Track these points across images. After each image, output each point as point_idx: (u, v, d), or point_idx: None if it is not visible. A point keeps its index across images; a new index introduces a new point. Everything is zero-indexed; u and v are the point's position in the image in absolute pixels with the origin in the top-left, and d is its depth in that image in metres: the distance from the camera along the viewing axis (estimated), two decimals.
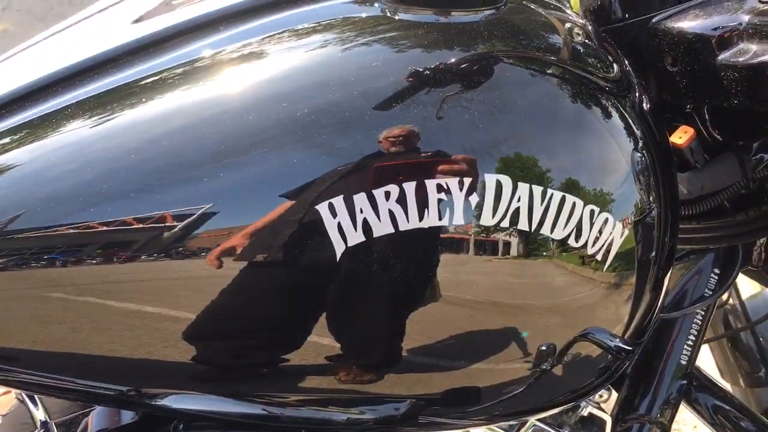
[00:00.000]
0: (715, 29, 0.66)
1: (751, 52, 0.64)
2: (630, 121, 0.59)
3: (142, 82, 0.54)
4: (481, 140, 0.50)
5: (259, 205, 0.49)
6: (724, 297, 1.03)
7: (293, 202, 0.48)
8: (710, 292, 0.82)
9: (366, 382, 0.56)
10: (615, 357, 0.62)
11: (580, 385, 0.64)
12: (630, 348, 0.61)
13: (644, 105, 0.63)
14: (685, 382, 0.83)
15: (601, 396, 0.80)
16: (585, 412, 0.80)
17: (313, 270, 0.50)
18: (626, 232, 0.55)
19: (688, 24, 0.68)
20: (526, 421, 0.74)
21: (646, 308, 0.64)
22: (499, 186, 0.49)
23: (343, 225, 0.48)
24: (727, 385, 1.08)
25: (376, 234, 0.48)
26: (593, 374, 0.64)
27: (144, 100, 0.53)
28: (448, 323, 0.53)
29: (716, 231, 0.79)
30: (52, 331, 0.53)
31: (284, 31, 0.56)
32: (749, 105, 0.66)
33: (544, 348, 0.57)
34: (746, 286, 1.08)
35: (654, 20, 0.70)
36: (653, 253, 0.61)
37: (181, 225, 0.49)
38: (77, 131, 0.53)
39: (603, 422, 0.81)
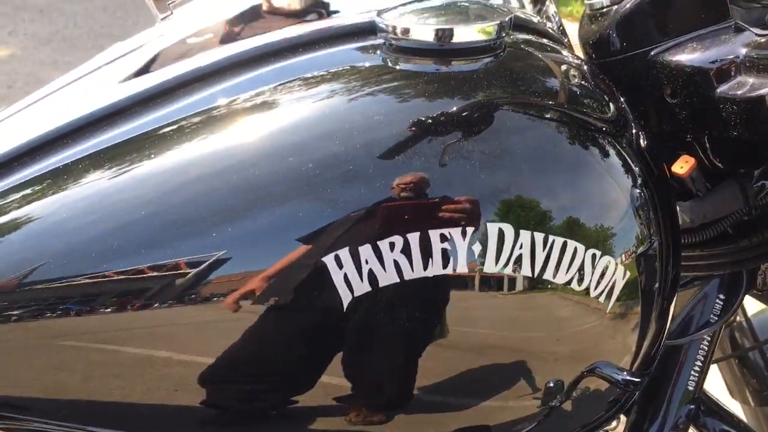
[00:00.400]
0: (713, 62, 0.68)
1: (748, 84, 0.65)
2: (627, 158, 0.59)
3: (154, 134, 0.56)
4: (482, 188, 0.51)
5: (269, 257, 0.50)
6: (732, 316, 1.04)
7: (300, 254, 0.49)
8: (716, 318, 0.83)
9: (376, 424, 0.56)
10: (623, 390, 0.63)
11: (590, 420, 0.64)
12: (638, 379, 0.62)
13: (641, 141, 0.64)
14: (693, 407, 0.84)
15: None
16: None
17: (322, 319, 0.51)
18: (628, 271, 0.56)
19: (686, 57, 0.69)
20: None
21: (653, 338, 0.65)
22: (501, 234, 0.50)
23: (350, 276, 0.49)
24: (737, 405, 1.08)
25: (381, 284, 0.49)
26: (602, 408, 0.64)
27: (156, 151, 0.54)
28: (456, 365, 0.54)
29: (720, 257, 0.80)
30: (65, 379, 0.54)
31: (288, 82, 0.57)
32: (748, 136, 0.67)
33: (551, 384, 0.58)
34: (752, 303, 1.08)
35: (652, 53, 0.72)
36: (657, 284, 0.62)
37: (191, 273, 0.50)
38: (91, 183, 0.54)
39: None
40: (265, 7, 0.65)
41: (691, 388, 0.83)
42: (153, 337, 0.53)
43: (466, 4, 0.61)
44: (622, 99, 0.66)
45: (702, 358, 0.83)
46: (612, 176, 0.58)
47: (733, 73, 0.67)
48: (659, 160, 0.67)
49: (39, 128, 0.59)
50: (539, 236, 0.51)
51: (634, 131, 0.63)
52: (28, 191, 0.56)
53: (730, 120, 0.67)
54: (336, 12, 0.67)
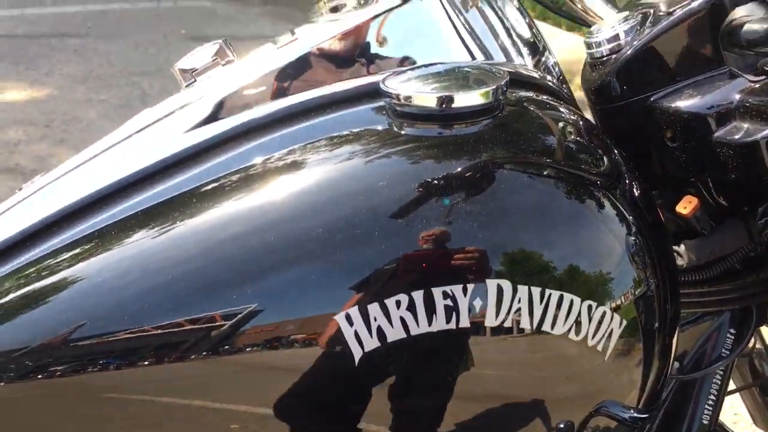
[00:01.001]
0: (710, 107, 0.71)
1: (743, 129, 0.68)
2: (621, 209, 0.62)
3: (189, 194, 0.61)
4: (481, 246, 0.54)
5: (286, 315, 0.54)
6: (750, 345, 1.05)
7: (314, 313, 0.53)
8: (727, 352, 0.85)
9: None
10: (632, 427, 0.65)
11: None
12: (645, 416, 0.64)
13: (634, 190, 0.67)
14: None
15: None
16: None
17: (336, 373, 0.54)
18: (625, 317, 0.59)
19: (684, 102, 0.72)
20: None
21: (657, 373, 0.67)
22: (500, 290, 0.53)
23: (360, 333, 0.52)
24: None
25: (389, 339, 0.53)
26: None
27: (191, 212, 0.59)
28: (464, 413, 0.57)
29: (729, 293, 0.81)
30: (107, 430, 0.58)
31: (296, 148, 0.61)
32: (745, 179, 0.70)
33: (561, 426, 0.61)
34: None
35: (652, 99, 0.75)
36: (657, 324, 0.64)
37: (227, 324, 0.54)
38: (131, 244, 0.58)
39: None
40: (278, 75, 0.70)
41: (706, 422, 0.85)
42: (189, 387, 0.56)
43: (466, 69, 0.65)
44: (615, 151, 0.68)
45: (716, 392, 0.85)
46: (606, 227, 0.61)
47: (728, 118, 0.70)
48: (653, 206, 0.69)
49: (80, 192, 0.64)
50: (536, 290, 0.54)
51: (627, 182, 0.66)
52: (74, 252, 0.60)
53: (728, 163, 0.69)
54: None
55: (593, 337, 0.56)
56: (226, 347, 0.54)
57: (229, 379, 0.56)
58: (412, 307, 0.52)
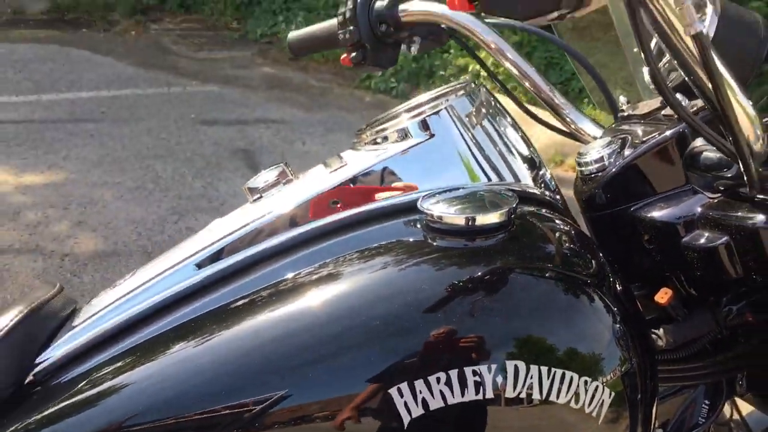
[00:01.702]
0: (678, 218, 0.86)
1: (705, 237, 0.83)
2: (607, 302, 0.76)
3: (228, 306, 0.76)
4: (501, 335, 0.69)
5: (347, 391, 0.68)
6: (727, 415, 1.18)
7: (372, 389, 0.68)
8: (703, 420, 0.98)
9: None
10: None
11: None
12: None
13: (616, 286, 0.81)
14: None
15: None
16: None
17: None
18: (614, 390, 0.73)
19: (657, 213, 0.87)
20: None
21: None
22: (516, 369, 0.68)
23: (408, 402, 0.67)
24: None
25: (431, 408, 0.67)
26: None
27: (229, 322, 0.74)
28: None
29: (702, 369, 0.94)
30: None
31: (345, 256, 0.76)
32: (709, 276, 0.84)
33: None
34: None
35: (632, 209, 0.90)
36: (639, 395, 0.77)
37: (264, 411, 0.67)
38: (177, 352, 0.73)
39: None
40: (329, 193, 0.86)
41: None
42: None
43: (482, 192, 0.81)
44: (600, 254, 0.83)
45: None
46: (596, 318, 0.75)
47: (693, 227, 0.85)
48: (632, 299, 0.84)
49: (137, 306, 0.80)
50: (544, 369, 0.69)
51: (610, 280, 0.81)
52: (127, 360, 0.75)
53: (694, 263, 0.84)
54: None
55: (589, 406, 0.71)
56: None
57: None
58: (449, 383, 0.67)
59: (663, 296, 0.90)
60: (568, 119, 1.17)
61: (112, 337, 0.79)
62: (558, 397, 0.69)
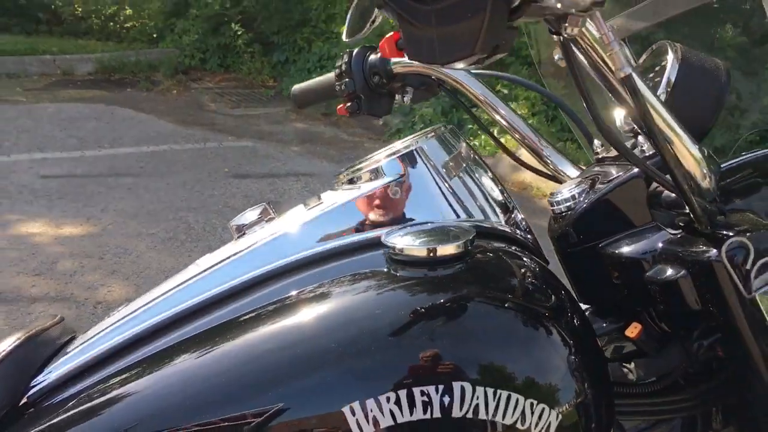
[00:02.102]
0: (643, 253, 0.90)
1: (665, 271, 0.86)
2: (563, 334, 0.80)
3: (230, 322, 0.81)
4: (450, 358, 0.73)
5: (304, 409, 0.72)
6: None
7: (325, 407, 0.72)
8: None
9: None
10: None
11: None
12: None
13: (575, 320, 0.84)
14: None
15: None
16: None
17: None
18: (562, 415, 0.76)
19: (624, 249, 0.91)
20: None
21: None
22: (462, 390, 0.72)
23: (360, 421, 0.71)
24: None
25: (382, 426, 0.71)
26: None
27: (230, 335, 0.79)
28: None
29: (675, 404, 0.95)
30: None
31: (316, 286, 0.82)
32: (674, 309, 0.87)
33: None
34: None
35: (600, 246, 0.94)
36: (593, 425, 0.80)
37: (256, 422, 0.72)
38: (170, 369, 0.78)
39: None
40: (306, 228, 0.92)
41: None
42: None
43: (445, 227, 0.87)
44: (564, 291, 0.87)
45: None
46: (549, 346, 0.78)
47: (654, 262, 0.88)
48: (591, 334, 0.87)
49: (128, 331, 0.86)
50: (490, 390, 0.72)
51: (569, 313, 0.84)
52: (121, 377, 0.80)
53: (658, 297, 0.88)
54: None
55: (535, 428, 0.74)
56: None
57: None
58: (398, 402, 0.71)
59: (633, 330, 0.93)
60: (550, 164, 1.22)
61: (106, 359, 0.85)
62: (504, 417, 0.73)
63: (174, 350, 0.81)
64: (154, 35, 9.59)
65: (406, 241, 0.81)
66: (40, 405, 0.84)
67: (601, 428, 0.81)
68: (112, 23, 10.05)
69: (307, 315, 0.79)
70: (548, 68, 1.35)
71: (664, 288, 0.87)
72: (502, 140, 1.37)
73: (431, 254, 0.79)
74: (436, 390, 0.71)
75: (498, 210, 0.99)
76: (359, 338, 0.74)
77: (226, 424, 0.72)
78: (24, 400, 0.85)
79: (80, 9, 10.05)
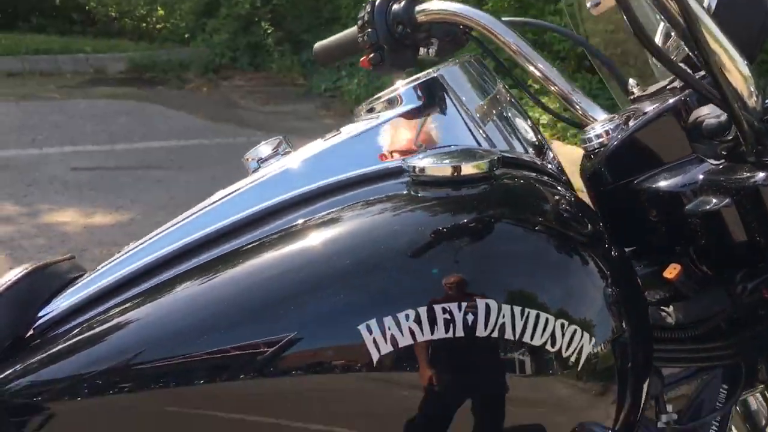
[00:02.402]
0: (682, 186, 0.84)
1: (708, 201, 0.81)
2: (601, 265, 0.75)
3: (248, 247, 0.77)
4: (473, 274, 0.68)
5: (320, 329, 0.68)
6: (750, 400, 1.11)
7: (341, 325, 0.68)
8: (721, 404, 0.93)
9: None
10: None
11: None
12: None
13: (612, 253, 0.79)
14: None
15: None
16: None
17: (355, 374, 0.68)
18: (597, 343, 0.71)
19: (662, 183, 0.86)
20: None
21: (629, 409, 0.76)
22: (487, 307, 0.67)
23: (377, 339, 0.67)
24: None
25: (400, 345, 0.67)
26: None
27: (237, 262, 0.75)
28: (456, 413, 0.69)
29: (716, 351, 0.90)
30: None
31: (335, 211, 0.77)
32: (715, 244, 0.82)
33: None
34: None
35: (635, 182, 0.89)
36: (629, 365, 0.75)
37: (270, 350, 0.68)
38: (182, 296, 0.74)
39: None
40: (324, 159, 0.88)
41: None
42: (241, 405, 0.70)
43: (471, 149, 0.82)
44: (600, 223, 0.82)
45: None
46: (584, 276, 0.73)
47: (697, 194, 0.83)
48: (630, 270, 0.81)
49: (152, 255, 0.82)
50: (517, 309, 0.67)
51: (607, 246, 0.78)
52: (130, 304, 0.76)
53: (698, 231, 0.82)
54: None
55: (567, 350, 0.69)
56: (273, 367, 0.68)
57: (282, 396, 0.69)
58: (418, 320, 0.67)
59: (672, 271, 0.87)
60: (590, 118, 1.16)
61: (115, 289, 0.81)
62: (532, 337, 0.68)
63: (183, 278, 0.77)
64: (186, 35, 9.67)
65: (427, 162, 0.76)
66: (47, 335, 0.80)
67: (638, 369, 0.75)
68: (144, 24, 10.18)
69: (320, 237, 0.74)
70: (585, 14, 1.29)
71: (706, 221, 0.81)
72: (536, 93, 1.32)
73: (455, 173, 0.74)
74: (459, 308, 0.66)
75: (526, 144, 0.94)
76: (376, 256, 0.70)
77: (238, 352, 0.68)
78: (31, 331, 0.82)
79: (114, 10, 10.19)
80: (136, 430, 0.72)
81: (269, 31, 8.68)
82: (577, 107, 1.15)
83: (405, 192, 0.78)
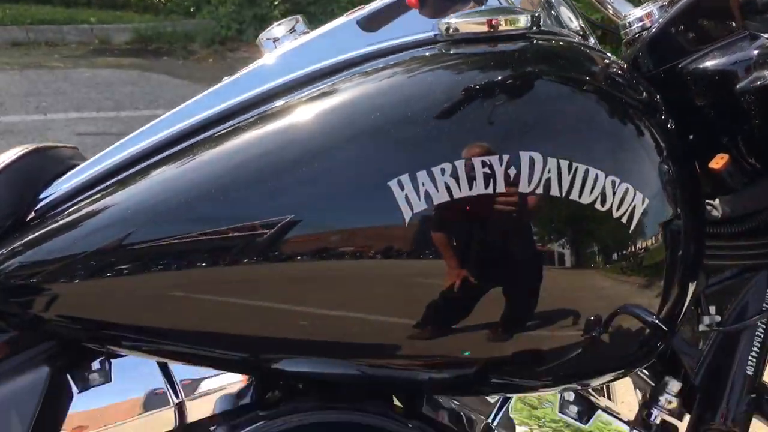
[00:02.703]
0: (733, 64, 0.78)
1: (762, 77, 0.74)
2: (655, 134, 0.69)
3: (239, 124, 0.72)
4: (516, 124, 0.62)
5: (346, 184, 0.62)
6: None
7: (371, 182, 0.62)
8: (767, 306, 0.87)
9: (444, 346, 0.65)
10: (652, 334, 0.69)
11: (623, 356, 0.71)
12: (665, 329, 0.68)
13: (668, 125, 0.73)
14: (754, 395, 0.86)
15: (669, 402, 0.84)
16: (657, 420, 0.85)
17: (385, 234, 0.62)
18: (650, 204, 0.65)
19: (709, 63, 0.79)
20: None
21: (676, 299, 0.71)
22: (531, 160, 0.61)
23: (409, 196, 0.61)
24: None
25: (435, 202, 0.61)
26: (634, 347, 0.71)
27: (236, 145, 0.69)
28: (503, 284, 0.63)
29: (764, 248, 0.85)
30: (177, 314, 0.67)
31: (366, 73, 0.71)
32: (764, 131, 0.75)
33: (592, 318, 0.66)
34: None
35: (680, 65, 0.82)
36: (680, 252, 0.69)
37: (270, 232, 0.63)
38: (183, 173, 0.70)
39: (676, 429, 0.85)
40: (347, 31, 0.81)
41: (750, 373, 0.86)
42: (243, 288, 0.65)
43: (507, 6, 0.75)
44: (657, 97, 0.75)
45: (758, 347, 0.87)
46: (634, 137, 0.68)
47: (750, 71, 0.76)
48: (682, 144, 0.75)
49: (158, 135, 0.77)
50: (564, 163, 0.61)
51: (663, 116, 0.72)
52: (128, 183, 0.72)
53: (750, 111, 0.76)
54: None
55: (618, 209, 0.63)
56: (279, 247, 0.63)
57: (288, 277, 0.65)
58: (455, 174, 0.60)
59: (719, 161, 0.81)
60: (611, 11, 1.09)
61: (116, 171, 0.76)
62: (581, 194, 0.61)
63: (184, 155, 0.72)
64: (191, 8, 9.56)
65: (461, 19, 0.70)
66: (46, 217, 0.75)
67: (688, 261, 0.70)
68: None
69: (344, 99, 0.69)
70: None
71: (759, 97, 0.75)
72: None
73: (492, 29, 0.68)
74: (500, 161, 0.60)
75: (565, 22, 0.87)
76: (409, 110, 0.64)
77: (235, 234, 0.64)
78: (32, 214, 0.77)
79: None
80: (138, 312, 0.68)
81: (276, 3, 8.56)
82: (609, 7, 1.08)
83: (438, 52, 0.72)
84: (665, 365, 0.89)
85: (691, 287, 0.74)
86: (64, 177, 0.79)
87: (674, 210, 0.68)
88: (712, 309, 0.87)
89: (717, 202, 0.89)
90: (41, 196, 0.78)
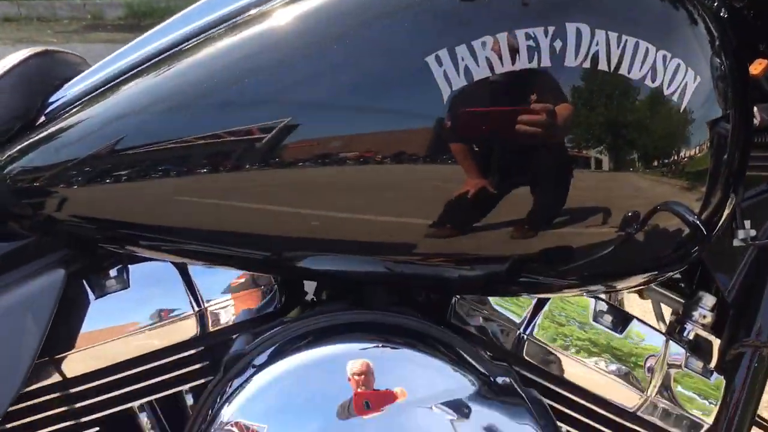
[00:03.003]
0: None
1: None
2: (706, 14, 0.65)
3: (227, 27, 0.69)
4: None
5: (378, 57, 0.59)
6: None
7: (405, 57, 0.58)
8: None
9: (472, 242, 0.62)
10: (689, 236, 0.66)
11: (657, 257, 0.68)
12: (704, 231, 0.65)
13: (722, 13, 0.70)
14: None
15: (704, 317, 0.82)
16: (691, 335, 0.82)
17: (423, 113, 0.59)
18: (701, 82, 0.61)
19: None
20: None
21: (717, 204, 0.68)
22: (578, 32, 0.57)
23: (448, 72, 0.57)
24: None
25: (476, 78, 0.57)
26: (669, 248, 0.67)
27: (230, 37, 0.67)
28: (540, 172, 0.60)
29: None
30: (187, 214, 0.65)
31: None
32: None
33: (629, 214, 0.62)
34: None
35: None
36: (725, 156, 0.66)
37: (269, 136, 0.60)
38: (168, 72, 0.67)
39: (710, 344, 0.82)
40: None
41: None
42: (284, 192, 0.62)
43: None
44: None
45: None
46: (690, 26, 0.63)
47: None
48: (737, 41, 0.72)
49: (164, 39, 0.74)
50: (613, 35, 0.58)
51: (717, 3, 0.69)
52: (124, 86, 0.70)
53: None
54: None
55: (669, 86, 0.59)
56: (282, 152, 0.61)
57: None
58: (496, 48, 0.57)
59: (757, 67, 0.78)
60: None
61: (121, 74, 0.73)
62: (630, 69, 0.58)
63: (184, 55, 0.69)
64: None
65: None
66: (54, 121, 0.72)
67: (733, 164, 0.66)
68: None
69: None
70: None
71: None
72: None
73: None
74: (545, 33, 0.57)
75: None
76: None
77: (233, 138, 0.61)
78: (42, 118, 0.74)
79: None
80: (151, 213, 0.66)
81: None
82: None
83: None
84: (696, 283, 0.86)
85: (732, 196, 0.71)
86: (72, 80, 0.76)
87: (723, 109, 0.65)
88: (747, 223, 0.84)
89: (755, 110, 0.86)
90: (50, 100, 0.75)
